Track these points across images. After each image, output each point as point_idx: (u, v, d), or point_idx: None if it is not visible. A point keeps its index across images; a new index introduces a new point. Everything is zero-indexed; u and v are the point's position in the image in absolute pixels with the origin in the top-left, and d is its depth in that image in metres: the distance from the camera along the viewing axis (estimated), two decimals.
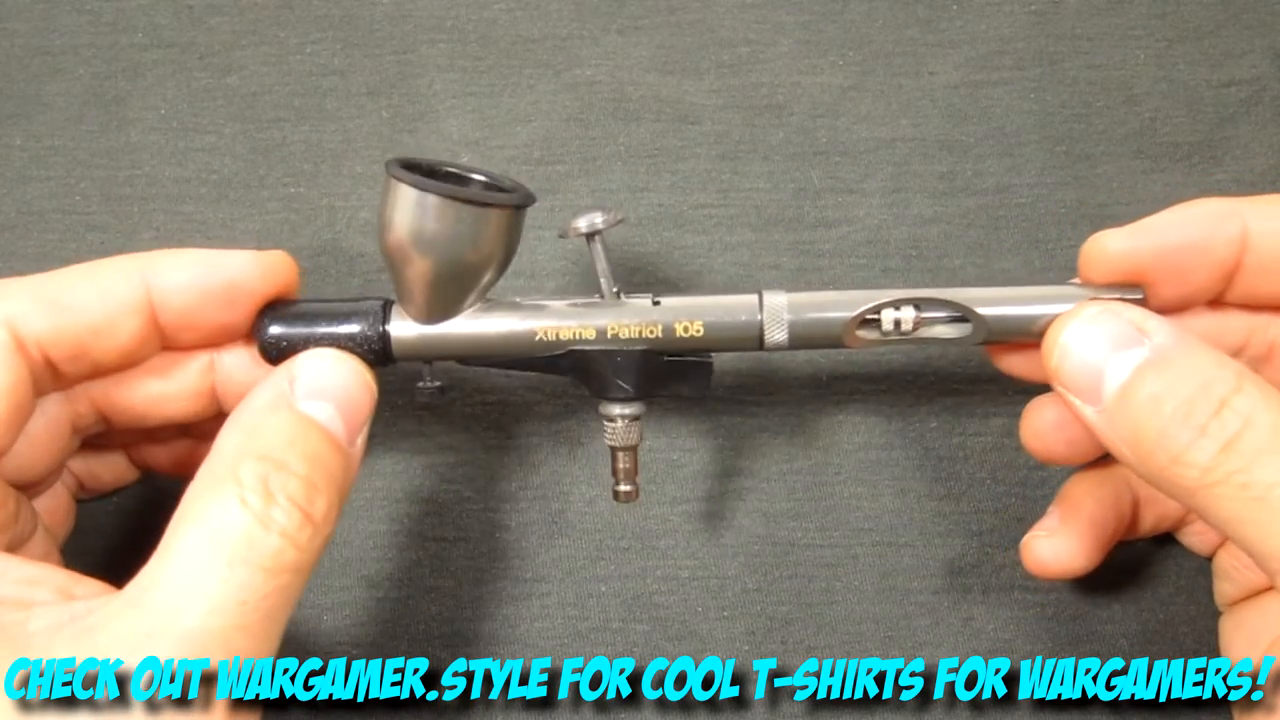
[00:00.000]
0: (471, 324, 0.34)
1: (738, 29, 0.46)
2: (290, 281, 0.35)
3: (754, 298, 0.34)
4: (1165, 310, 0.33)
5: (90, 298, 0.32)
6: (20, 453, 0.33)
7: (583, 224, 0.33)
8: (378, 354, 0.34)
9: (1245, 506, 0.27)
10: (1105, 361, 0.30)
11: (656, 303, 0.34)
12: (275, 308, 0.34)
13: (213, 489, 0.29)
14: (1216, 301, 0.34)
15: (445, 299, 0.34)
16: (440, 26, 0.46)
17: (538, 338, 0.34)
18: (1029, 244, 0.43)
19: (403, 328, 0.34)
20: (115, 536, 0.41)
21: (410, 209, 0.32)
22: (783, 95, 0.45)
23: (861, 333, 0.34)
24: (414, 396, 0.35)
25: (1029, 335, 0.33)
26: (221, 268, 0.33)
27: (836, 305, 0.33)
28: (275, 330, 0.34)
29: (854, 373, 0.42)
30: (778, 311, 0.33)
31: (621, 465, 0.36)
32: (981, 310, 0.33)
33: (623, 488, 0.36)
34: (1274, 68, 0.45)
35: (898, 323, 0.33)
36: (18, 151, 0.44)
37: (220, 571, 0.28)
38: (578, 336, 0.34)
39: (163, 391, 0.35)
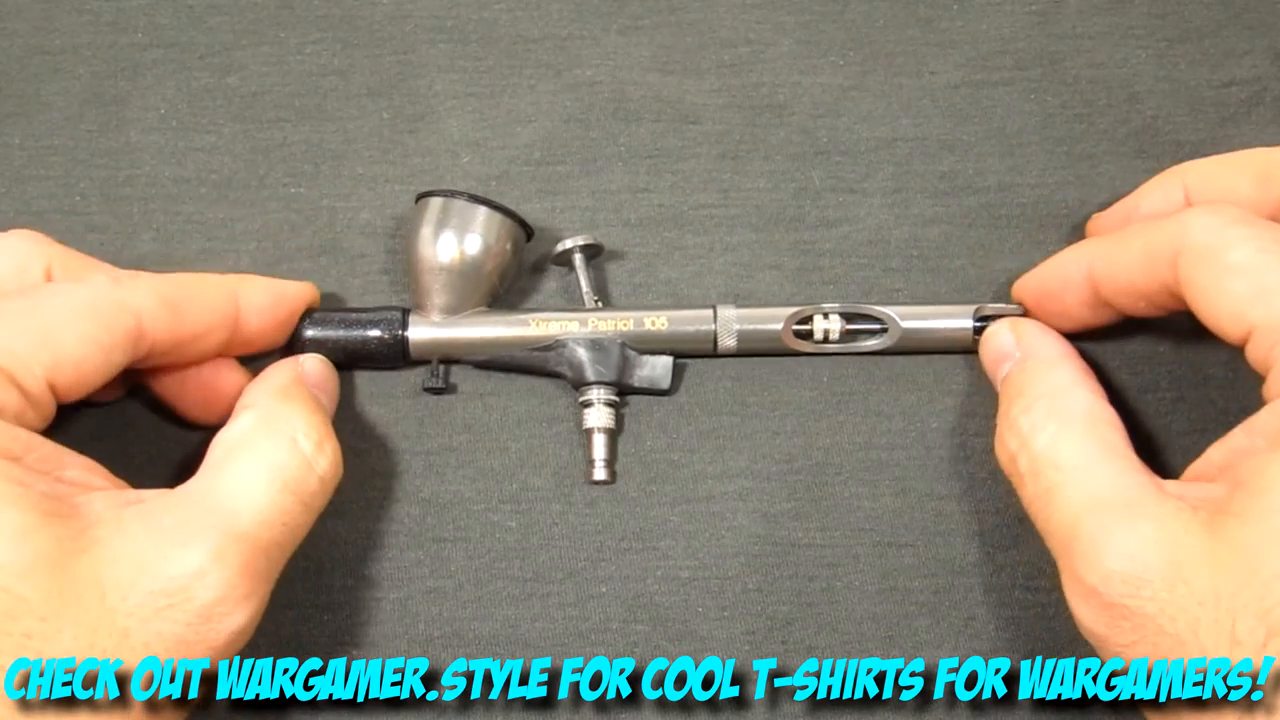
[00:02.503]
0: (476, 324, 0.40)
1: (738, 29, 0.46)
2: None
3: (709, 311, 0.40)
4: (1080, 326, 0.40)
5: (201, 311, 0.36)
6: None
7: (566, 243, 0.41)
8: (397, 354, 0.40)
9: (1026, 494, 0.35)
10: (999, 358, 0.39)
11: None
12: (311, 313, 0.40)
13: (265, 429, 0.34)
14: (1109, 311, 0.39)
15: (460, 295, 0.40)
16: (440, 26, 0.46)
17: (531, 328, 0.40)
18: (1030, 244, 0.43)
19: (418, 332, 0.40)
20: None
21: (452, 215, 0.39)
22: (783, 95, 0.45)
23: (799, 342, 0.41)
24: (421, 390, 0.41)
25: (933, 344, 0.41)
26: (287, 298, 0.39)
27: (775, 318, 0.40)
28: (310, 334, 0.40)
29: (854, 373, 0.42)
30: (729, 322, 0.40)
31: (598, 450, 0.40)
32: (896, 321, 0.40)
33: (598, 476, 0.40)
34: (1275, 68, 0.45)
35: (826, 333, 0.40)
36: (17, 151, 0.44)
37: (273, 494, 0.33)
38: (564, 329, 0.40)
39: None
